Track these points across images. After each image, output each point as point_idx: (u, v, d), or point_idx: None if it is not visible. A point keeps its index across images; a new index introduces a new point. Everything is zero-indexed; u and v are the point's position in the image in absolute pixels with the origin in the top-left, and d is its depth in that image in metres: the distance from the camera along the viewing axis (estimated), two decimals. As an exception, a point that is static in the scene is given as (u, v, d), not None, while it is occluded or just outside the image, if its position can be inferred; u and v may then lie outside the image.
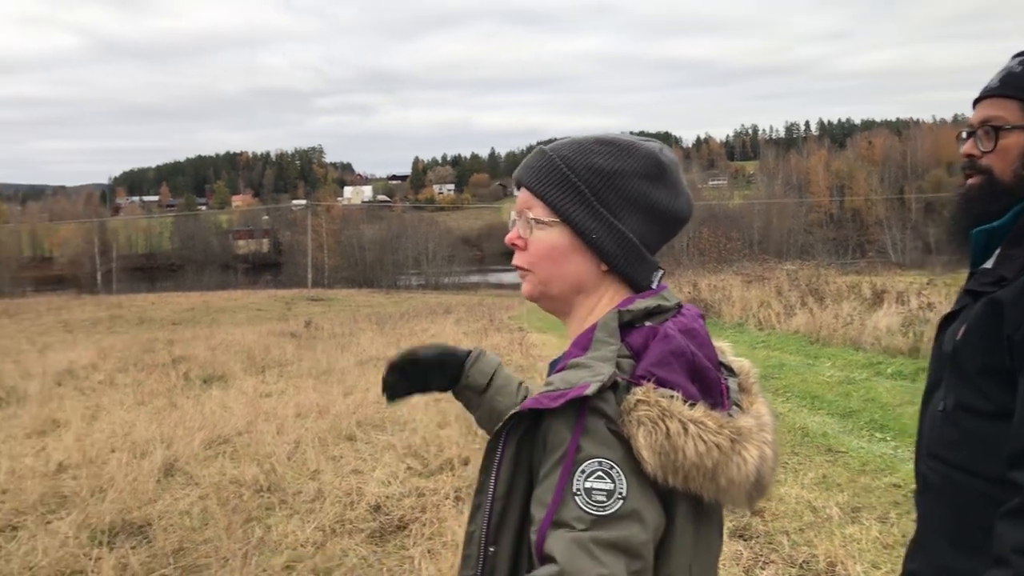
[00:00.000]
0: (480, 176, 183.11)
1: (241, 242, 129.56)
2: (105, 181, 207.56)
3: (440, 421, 7.88)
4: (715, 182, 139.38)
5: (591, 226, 1.32)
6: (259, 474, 6.34)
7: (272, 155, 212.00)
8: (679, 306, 1.35)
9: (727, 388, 1.30)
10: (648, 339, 1.24)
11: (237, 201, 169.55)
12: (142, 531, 5.25)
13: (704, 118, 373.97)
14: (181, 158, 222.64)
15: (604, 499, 1.14)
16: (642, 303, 1.30)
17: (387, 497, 5.75)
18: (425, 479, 6.21)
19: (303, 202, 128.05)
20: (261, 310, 49.89)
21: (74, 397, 11.86)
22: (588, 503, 1.13)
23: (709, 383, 1.25)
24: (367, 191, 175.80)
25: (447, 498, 5.66)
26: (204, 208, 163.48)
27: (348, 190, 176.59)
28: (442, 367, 1.73)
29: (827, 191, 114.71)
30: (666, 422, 1.14)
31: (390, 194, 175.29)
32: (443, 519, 5.19)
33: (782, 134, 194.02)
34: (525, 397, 1.76)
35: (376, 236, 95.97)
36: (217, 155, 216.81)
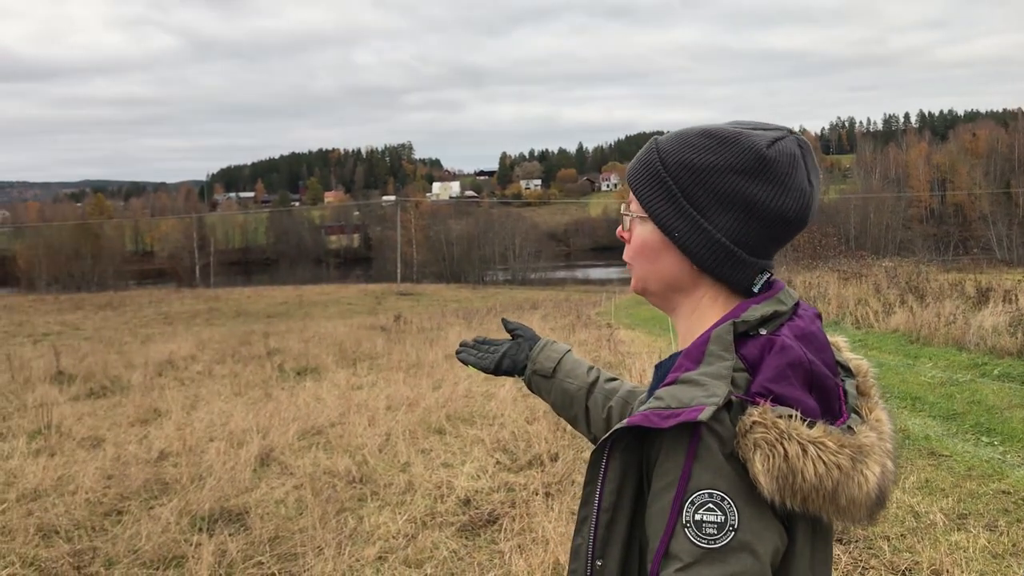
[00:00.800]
0: (567, 171, 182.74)
1: (333, 237, 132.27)
2: (203, 178, 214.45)
3: (528, 416, 7.88)
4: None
5: (675, 224, 1.26)
6: (351, 465, 6.44)
7: (363, 152, 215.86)
8: (796, 307, 1.27)
9: (845, 393, 1.23)
10: (764, 351, 1.17)
11: (329, 197, 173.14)
12: (239, 519, 5.39)
13: (798, 111, 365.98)
14: (275, 155, 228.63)
15: (715, 532, 1.09)
16: (757, 310, 1.22)
17: (476, 491, 5.77)
18: (514, 474, 6.21)
19: (392, 198, 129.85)
20: (352, 304, 50.90)
21: (174, 387, 12.25)
22: (698, 536, 1.09)
23: (827, 391, 1.18)
24: (455, 187, 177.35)
25: (536, 494, 5.64)
26: (297, 204, 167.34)
27: (436, 186, 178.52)
28: (516, 348, 1.81)
29: (927, 185, 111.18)
30: (784, 444, 1.08)
31: (477, 190, 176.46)
32: (532, 514, 5.17)
33: (880, 127, 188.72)
34: (596, 380, 1.77)
35: (463, 231, 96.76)
36: (310, 152, 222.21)
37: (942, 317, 12.30)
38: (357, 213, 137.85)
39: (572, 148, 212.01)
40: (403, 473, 6.34)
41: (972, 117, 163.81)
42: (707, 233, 1.24)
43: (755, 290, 1.27)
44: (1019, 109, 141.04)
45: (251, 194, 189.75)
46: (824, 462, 1.09)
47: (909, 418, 8.04)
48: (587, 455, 1.40)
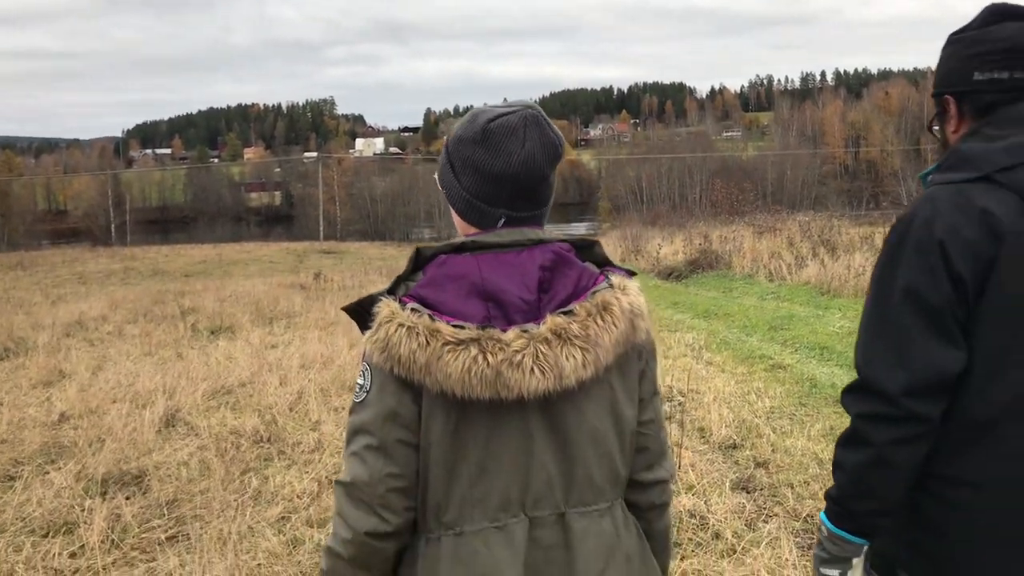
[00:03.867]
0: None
1: (253, 195, 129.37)
2: (119, 134, 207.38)
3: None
4: (729, 133, 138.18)
5: (445, 186, 1.65)
6: (259, 425, 6.30)
7: (284, 107, 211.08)
8: (514, 244, 1.54)
9: (530, 309, 1.48)
10: (433, 266, 1.52)
11: (249, 153, 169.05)
12: (138, 481, 5.22)
13: (719, 69, 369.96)
14: (193, 111, 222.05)
15: (358, 391, 1.53)
16: (444, 243, 1.56)
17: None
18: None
19: (314, 154, 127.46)
20: (273, 262, 49.89)
21: (82, 348, 11.86)
22: (355, 393, 1.56)
23: (503, 304, 1.47)
24: (379, 143, 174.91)
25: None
26: (216, 160, 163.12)
27: (360, 142, 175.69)
28: None
29: (842, 142, 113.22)
30: (390, 327, 1.44)
31: (402, 146, 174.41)
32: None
33: (797, 85, 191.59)
34: None
35: (388, 188, 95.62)
36: (229, 107, 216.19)
37: (852, 269, 12.63)
38: (278, 170, 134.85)
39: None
40: (313, 432, 6.24)
41: (885, 76, 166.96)
42: (458, 190, 1.61)
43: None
44: (929, 68, 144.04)
45: (168, 150, 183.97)
46: (418, 344, 1.42)
47: (817, 367, 8.23)
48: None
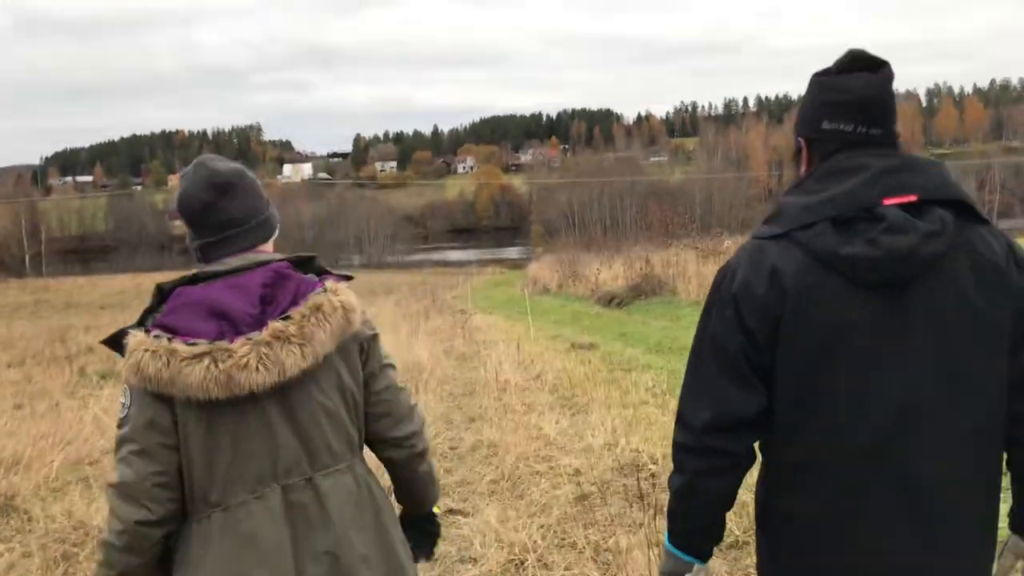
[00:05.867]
0: (423, 153, 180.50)
1: (177, 222, 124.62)
2: (37, 162, 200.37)
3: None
4: (656, 158, 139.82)
5: None
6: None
7: (209, 133, 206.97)
8: (238, 270, 1.87)
9: (255, 321, 1.80)
10: (172, 298, 1.83)
11: (174, 181, 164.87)
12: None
13: (645, 95, 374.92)
14: (115, 137, 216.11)
15: (121, 408, 1.82)
16: (180, 277, 1.88)
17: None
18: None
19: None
20: (194, 292, 47.98)
21: (-50, 398, 10.25)
22: (119, 411, 1.83)
23: (232, 319, 1.78)
24: (307, 169, 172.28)
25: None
26: (139, 188, 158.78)
27: (288, 168, 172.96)
28: None
29: (766, 166, 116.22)
30: (137, 353, 1.72)
31: (331, 172, 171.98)
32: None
33: (721, 111, 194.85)
34: None
35: (316, 214, 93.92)
36: (152, 134, 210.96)
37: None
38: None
39: (427, 130, 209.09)
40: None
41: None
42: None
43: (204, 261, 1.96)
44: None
45: (89, 178, 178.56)
46: (161, 363, 1.71)
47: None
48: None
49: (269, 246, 2.01)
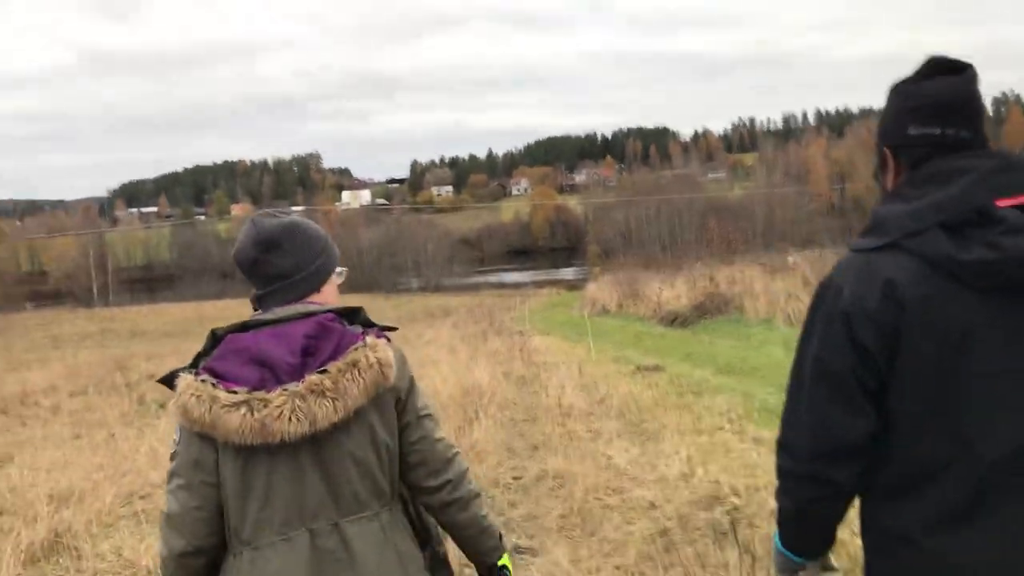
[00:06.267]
0: (478, 176, 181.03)
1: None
2: (104, 194, 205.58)
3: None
4: (714, 175, 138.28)
5: None
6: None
7: (270, 163, 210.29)
8: (284, 319, 1.98)
9: (294, 371, 1.90)
10: (220, 344, 1.96)
11: (236, 210, 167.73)
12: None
13: (701, 112, 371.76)
14: (179, 168, 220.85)
15: (172, 444, 1.97)
16: (232, 324, 2.01)
17: None
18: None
19: (300, 208, 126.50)
20: (256, 319, 48.47)
21: (9, 429, 10.26)
22: (171, 446, 2.00)
23: (273, 367, 1.89)
24: (365, 195, 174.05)
25: None
26: (203, 217, 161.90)
27: (346, 195, 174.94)
28: None
29: (827, 180, 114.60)
30: (185, 396, 1.85)
31: (388, 198, 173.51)
32: None
33: (779, 126, 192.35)
34: None
35: (374, 240, 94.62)
36: (215, 164, 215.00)
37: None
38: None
39: (482, 154, 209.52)
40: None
41: (866, 113, 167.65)
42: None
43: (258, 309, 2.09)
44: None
45: (154, 209, 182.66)
46: (200, 406, 1.83)
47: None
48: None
49: (325, 292, 2.11)
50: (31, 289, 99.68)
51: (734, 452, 5.78)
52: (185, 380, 1.87)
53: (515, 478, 6.01)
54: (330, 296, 2.13)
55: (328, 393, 1.85)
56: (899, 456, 1.65)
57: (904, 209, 1.63)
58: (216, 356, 1.92)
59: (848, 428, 1.63)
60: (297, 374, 1.87)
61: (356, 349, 1.91)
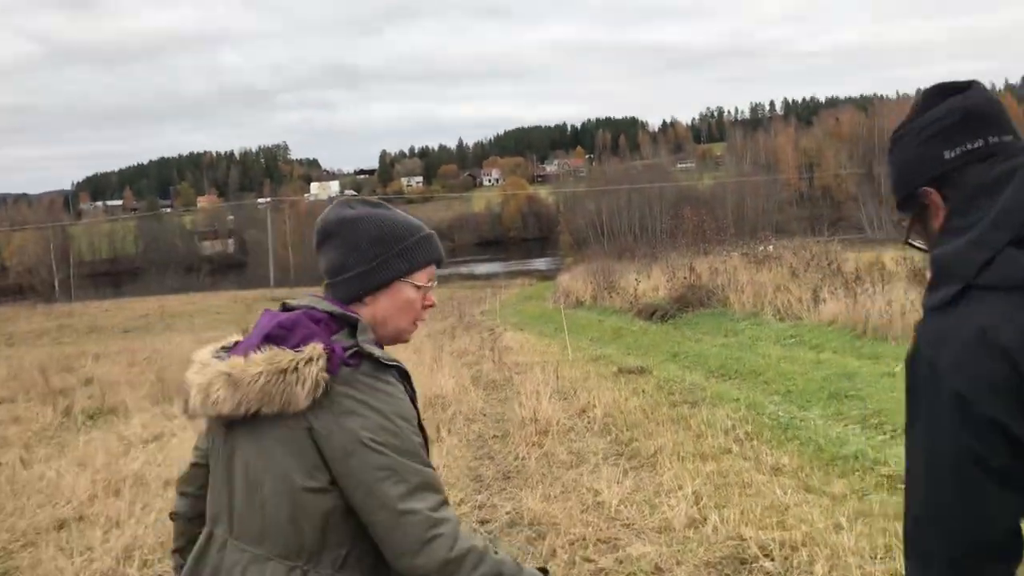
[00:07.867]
0: (448, 167, 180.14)
1: (207, 243, 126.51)
2: (68, 187, 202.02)
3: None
4: (683, 165, 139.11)
5: None
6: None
7: (236, 154, 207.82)
8: (295, 307, 1.83)
9: (245, 351, 1.72)
10: None
11: (202, 202, 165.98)
12: None
13: (670, 103, 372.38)
14: (144, 160, 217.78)
15: None
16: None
17: None
18: None
19: (267, 200, 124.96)
20: (220, 313, 47.49)
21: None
22: None
23: (242, 343, 1.78)
24: (334, 186, 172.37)
25: None
26: (168, 210, 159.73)
27: (315, 186, 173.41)
28: None
29: (796, 169, 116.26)
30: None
31: (358, 188, 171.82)
32: None
33: (747, 115, 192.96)
34: None
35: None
36: (180, 156, 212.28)
37: (895, 304, 10.10)
38: (231, 217, 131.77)
39: (452, 144, 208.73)
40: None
41: (833, 103, 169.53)
42: None
43: None
44: (874, 94, 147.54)
45: (119, 202, 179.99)
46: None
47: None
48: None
49: (383, 302, 1.84)
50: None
51: (752, 488, 4.65)
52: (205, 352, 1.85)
53: (482, 522, 4.83)
54: (388, 308, 1.84)
55: (232, 377, 1.66)
56: None
57: (962, 242, 1.40)
58: None
59: (987, 525, 1.35)
60: (242, 353, 1.74)
61: (293, 350, 1.66)
